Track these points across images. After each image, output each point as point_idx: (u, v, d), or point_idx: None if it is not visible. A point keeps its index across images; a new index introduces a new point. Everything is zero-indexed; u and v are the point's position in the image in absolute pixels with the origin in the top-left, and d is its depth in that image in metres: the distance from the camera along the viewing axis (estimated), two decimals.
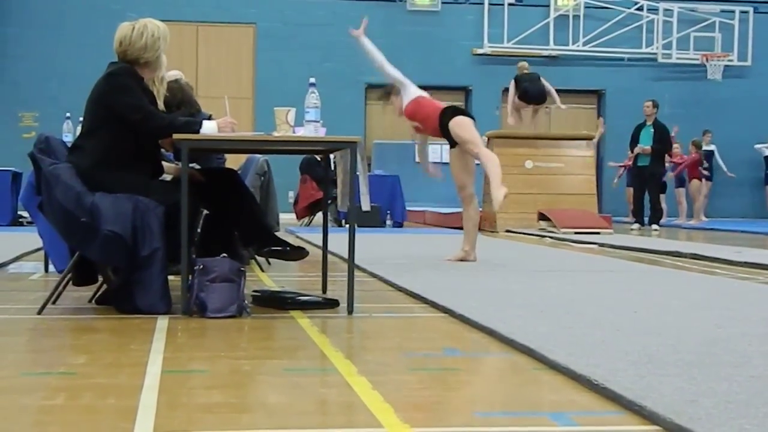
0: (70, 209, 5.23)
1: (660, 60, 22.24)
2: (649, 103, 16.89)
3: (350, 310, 5.39)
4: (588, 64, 22.16)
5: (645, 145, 16.65)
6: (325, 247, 6.47)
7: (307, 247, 7.23)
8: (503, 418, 3.06)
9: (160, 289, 5.24)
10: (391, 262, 8.54)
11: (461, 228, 8.81)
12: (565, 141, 16.34)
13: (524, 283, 6.91)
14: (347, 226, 5.51)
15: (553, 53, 22.00)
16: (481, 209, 16.12)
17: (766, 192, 21.74)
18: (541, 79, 16.16)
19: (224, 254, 5.34)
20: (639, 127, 17.01)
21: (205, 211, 5.97)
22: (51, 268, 7.56)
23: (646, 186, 16.97)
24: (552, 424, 2.95)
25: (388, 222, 16.44)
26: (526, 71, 16.40)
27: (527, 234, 14.27)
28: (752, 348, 4.13)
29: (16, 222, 15.26)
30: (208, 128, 5.47)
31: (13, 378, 3.62)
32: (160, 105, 5.81)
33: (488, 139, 15.08)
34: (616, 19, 21.88)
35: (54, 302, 5.50)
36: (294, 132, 5.56)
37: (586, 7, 21.94)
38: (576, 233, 13.98)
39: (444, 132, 8.38)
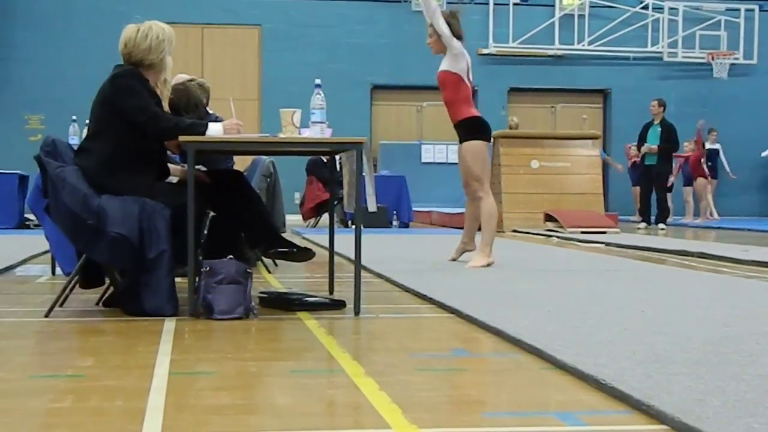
0: (76, 212, 5.24)
1: (666, 59, 22.22)
2: (655, 103, 16.88)
3: (357, 311, 5.39)
4: (593, 64, 22.14)
5: (652, 144, 16.62)
6: (331, 248, 6.47)
7: (314, 248, 7.22)
8: (510, 419, 3.06)
9: (167, 291, 5.25)
10: (398, 262, 8.53)
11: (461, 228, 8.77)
12: (570, 140, 16.33)
13: (531, 283, 6.90)
14: (354, 226, 5.51)
15: (559, 53, 21.99)
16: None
17: None
18: None
19: (231, 256, 5.34)
20: (646, 126, 17.00)
21: (212, 213, 5.98)
22: (58, 270, 7.56)
23: (653, 185, 16.96)
24: (559, 424, 2.95)
25: (395, 222, 16.45)
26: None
27: (534, 234, 14.27)
28: (760, 347, 4.13)
29: (22, 225, 15.28)
30: (214, 130, 5.47)
31: (20, 381, 3.63)
32: (165, 107, 5.81)
33: (494, 139, 15.07)
34: (622, 18, 21.86)
35: (61, 305, 5.51)
36: (300, 133, 5.56)
37: (591, 7, 21.93)
38: (582, 233, 13.97)
39: (456, 129, 8.31)
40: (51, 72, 20.64)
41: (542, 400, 3.35)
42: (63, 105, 18.71)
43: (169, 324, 4.95)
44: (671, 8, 22.00)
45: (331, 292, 6.29)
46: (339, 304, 5.63)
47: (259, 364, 3.95)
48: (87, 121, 5.72)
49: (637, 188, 18.72)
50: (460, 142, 8.31)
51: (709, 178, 19.94)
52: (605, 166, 19.74)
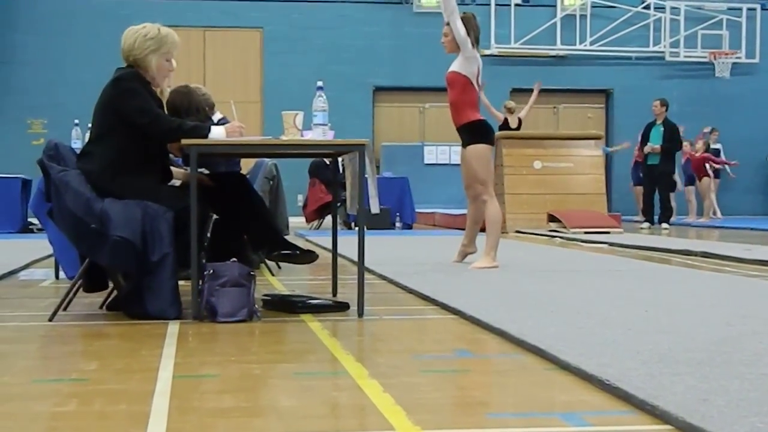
0: (79, 215, 5.24)
1: (668, 58, 22.22)
2: (658, 103, 16.88)
3: (360, 313, 5.39)
4: (595, 64, 22.13)
5: (655, 143, 16.63)
6: (334, 250, 6.47)
7: (317, 250, 7.23)
8: (515, 419, 3.06)
9: (171, 294, 5.25)
10: (401, 264, 8.53)
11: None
12: (573, 141, 16.32)
13: (535, 283, 6.90)
14: (357, 228, 5.51)
15: (561, 53, 21.99)
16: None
17: None
18: None
19: (234, 259, 5.34)
20: (649, 126, 16.99)
21: (215, 216, 5.98)
22: (61, 274, 7.57)
23: (656, 185, 16.96)
24: (564, 425, 2.95)
25: (398, 224, 16.45)
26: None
27: (537, 234, 14.26)
28: (763, 346, 4.12)
29: (26, 229, 15.29)
30: (216, 133, 5.48)
31: (25, 385, 3.63)
32: (165, 111, 5.82)
33: (497, 140, 15.05)
34: (623, 18, 21.86)
35: (65, 309, 5.52)
36: (302, 135, 5.56)
37: (592, 7, 21.92)
38: (586, 233, 13.97)
39: (459, 132, 8.30)
40: (53, 76, 20.66)
41: (546, 401, 3.35)
42: (65, 109, 18.74)
43: (173, 327, 4.95)
44: (673, 8, 21.99)
45: (335, 294, 6.29)
46: (342, 306, 5.63)
47: (262, 366, 3.95)
48: (89, 125, 5.73)
49: (640, 188, 18.70)
50: (464, 145, 8.30)
51: (712, 177, 19.93)
52: (608, 165, 19.72)
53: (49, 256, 8.53)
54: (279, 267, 8.27)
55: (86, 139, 6.05)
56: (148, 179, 5.48)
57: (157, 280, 5.23)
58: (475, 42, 8.15)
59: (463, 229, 8.90)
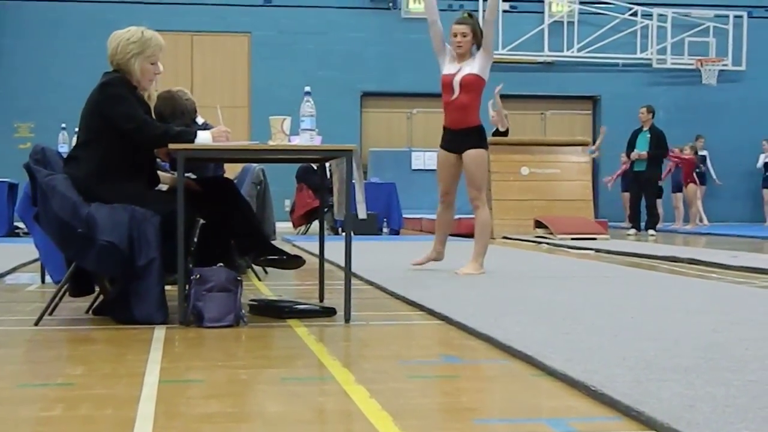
0: (66, 220, 5.23)
1: (655, 65, 22.27)
2: (644, 109, 16.96)
3: (347, 319, 5.38)
4: (583, 70, 22.18)
5: (641, 150, 16.69)
6: (321, 255, 6.47)
7: (304, 255, 7.23)
8: (501, 425, 3.06)
9: (157, 298, 5.24)
10: (388, 269, 8.53)
11: (460, 235, 8.71)
12: (560, 147, 16.34)
13: (521, 289, 6.91)
14: (344, 234, 5.51)
15: (548, 59, 22.04)
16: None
17: (763, 195, 21.74)
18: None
19: (221, 264, 5.34)
20: (635, 133, 17.07)
21: (202, 221, 5.97)
22: (47, 279, 7.55)
23: (642, 191, 17.01)
24: (550, 431, 2.95)
25: (385, 229, 16.45)
26: None
27: (524, 240, 14.27)
28: (749, 352, 4.13)
29: (12, 233, 15.24)
30: (203, 138, 5.47)
31: (10, 389, 3.62)
32: (152, 115, 5.82)
33: None
34: (611, 24, 21.91)
35: (51, 313, 5.50)
36: (289, 141, 5.56)
37: (580, 14, 21.97)
38: (572, 239, 13.98)
39: (460, 134, 8.21)
40: (41, 80, 20.62)
41: (533, 407, 3.35)
42: (53, 113, 18.68)
43: (159, 332, 4.94)
44: (660, 15, 22.05)
45: (322, 299, 6.29)
46: (329, 312, 5.63)
47: (249, 371, 3.95)
48: (76, 129, 5.72)
49: (627, 194, 18.76)
50: (461, 149, 8.16)
51: (698, 184, 19.98)
52: (595, 172, 19.75)
53: (35, 260, 8.52)
54: (266, 272, 8.26)
55: (73, 144, 6.03)
56: (135, 184, 5.47)
57: (143, 285, 5.22)
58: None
59: (455, 235, 8.82)
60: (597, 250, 11.96)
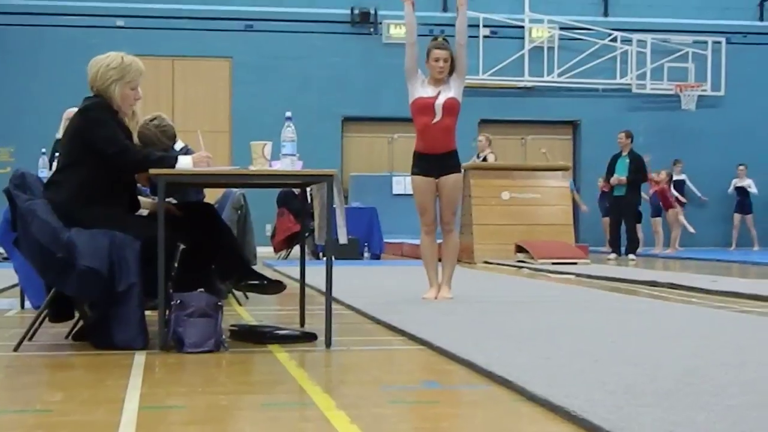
0: (46, 245, 5.21)
1: (634, 90, 22.37)
2: (623, 134, 17.09)
3: (328, 344, 5.37)
4: (563, 95, 22.27)
5: (621, 175, 16.80)
6: (302, 280, 6.47)
7: (285, 280, 7.22)
8: None
9: (137, 324, 5.22)
10: (370, 294, 8.53)
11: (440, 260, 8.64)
12: (541, 172, 16.40)
13: (502, 314, 6.91)
14: (325, 258, 5.51)
15: (529, 84, 22.12)
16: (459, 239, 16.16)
17: (734, 220, 21.87)
18: None
19: (201, 289, 5.33)
20: (615, 158, 17.17)
21: (182, 246, 5.96)
22: (27, 304, 7.51)
23: (622, 216, 17.10)
24: None
25: (366, 254, 16.45)
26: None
27: (505, 265, 14.29)
28: (729, 377, 4.15)
29: None
30: (184, 163, 5.48)
31: None
32: (135, 139, 5.81)
33: (465, 171, 15.09)
34: (591, 50, 22.02)
35: (30, 339, 5.47)
36: (270, 166, 5.57)
37: (560, 39, 22.06)
38: (553, 264, 14.01)
39: (442, 158, 8.15)
40: (21, 104, 20.56)
41: None
42: (33, 137, 18.62)
43: (140, 357, 4.92)
44: (639, 40, 22.17)
45: (303, 324, 6.28)
46: (310, 337, 5.62)
47: (230, 397, 3.93)
48: (57, 154, 5.71)
49: (607, 219, 18.82)
50: (444, 173, 8.09)
51: (679, 207, 20.05)
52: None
53: (15, 285, 8.47)
54: (247, 297, 8.25)
55: (53, 169, 6.02)
56: (115, 209, 5.46)
57: (123, 310, 5.20)
58: None
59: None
60: (578, 275, 11.98)
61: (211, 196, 8.42)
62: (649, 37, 22.18)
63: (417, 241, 16.93)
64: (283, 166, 5.55)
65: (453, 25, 8.37)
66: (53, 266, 5.23)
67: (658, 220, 19.91)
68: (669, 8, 22.49)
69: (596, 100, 22.37)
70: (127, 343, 5.17)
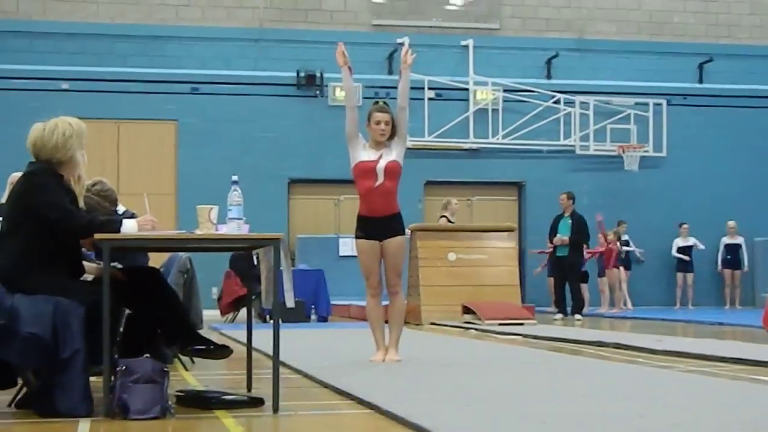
0: None
1: (578, 151, 22.59)
2: (564, 196, 17.31)
3: (276, 409, 5.34)
4: (508, 157, 22.43)
5: (563, 235, 17.00)
6: (249, 344, 6.43)
7: (232, 344, 7.16)
8: None
9: (82, 391, 5.16)
10: (317, 357, 8.49)
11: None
12: (487, 233, 16.49)
13: (450, 376, 6.91)
14: (272, 321, 5.49)
15: (474, 146, 22.28)
16: (405, 301, 16.16)
17: (677, 279, 22.14)
18: None
19: (147, 354, 5.28)
20: (557, 219, 17.38)
21: (127, 311, 5.91)
22: None
23: (566, 276, 17.26)
24: None
25: (313, 316, 16.38)
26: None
27: (452, 326, 14.28)
28: None
29: None
30: (128, 227, 5.45)
31: None
32: (81, 204, 5.78)
33: (411, 232, 15.14)
34: (534, 112, 22.24)
35: None
36: (217, 230, 5.55)
37: (504, 101, 22.26)
38: (500, 324, 14.03)
39: (385, 221, 8.14)
40: None
41: None
42: None
43: (84, 425, 4.86)
44: (582, 102, 22.44)
45: (249, 389, 6.23)
46: (257, 402, 5.58)
47: None
48: (0, 219, 5.66)
49: (552, 279, 18.93)
50: (387, 235, 8.09)
51: (622, 269, 20.22)
52: (522, 257, 19.91)
53: None
54: (193, 362, 8.17)
55: None
56: (59, 274, 5.42)
57: (67, 377, 5.14)
58: None
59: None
60: (524, 336, 12.01)
61: (157, 259, 8.37)
62: (591, 99, 22.48)
63: (364, 303, 16.90)
64: (229, 230, 5.54)
65: (397, 88, 8.44)
66: None
67: (604, 280, 20.05)
68: (610, 71, 22.83)
69: (540, 161, 22.58)
70: (71, 410, 5.11)
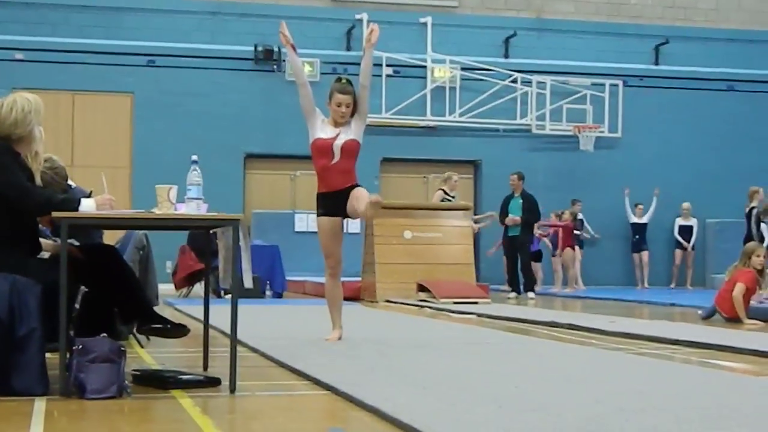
0: None
1: (534, 131, 22.69)
2: (515, 176, 17.46)
3: (233, 389, 5.34)
4: (464, 135, 22.49)
5: (515, 215, 17.17)
6: (206, 322, 6.42)
7: (187, 320, 7.15)
8: None
9: (38, 369, 5.13)
10: (272, 335, 8.48)
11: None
12: (443, 211, 16.54)
13: (406, 357, 6.93)
14: (227, 296, 5.49)
15: (431, 124, 22.31)
16: (360, 279, 16.21)
17: (633, 259, 22.35)
18: None
19: (104, 334, 5.26)
20: (507, 199, 17.52)
21: (84, 289, 5.88)
22: None
23: (518, 255, 17.43)
24: None
25: (268, 292, 16.35)
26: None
27: (407, 304, 14.34)
28: (630, 424, 4.22)
29: None
30: (86, 205, 5.42)
31: None
32: (38, 180, 5.73)
33: None
34: (492, 90, 22.29)
35: None
36: (176, 209, 5.53)
37: (462, 79, 22.30)
38: (455, 303, 14.09)
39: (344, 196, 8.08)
40: None
41: None
42: None
43: (40, 404, 4.83)
44: (539, 82, 22.52)
45: (206, 368, 6.23)
46: (214, 382, 5.58)
47: None
48: None
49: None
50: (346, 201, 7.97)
51: (577, 248, 20.38)
52: (477, 235, 19.96)
53: None
54: (148, 339, 8.13)
55: None
56: (16, 252, 5.38)
57: (23, 356, 5.11)
58: None
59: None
60: (479, 315, 12.07)
61: (113, 235, 8.32)
62: (548, 79, 22.56)
63: (320, 279, 16.91)
64: (188, 209, 5.52)
65: (356, 64, 8.39)
66: None
67: (558, 259, 20.21)
68: (568, 51, 22.92)
69: (497, 140, 22.64)
70: (27, 389, 5.08)
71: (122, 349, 5.19)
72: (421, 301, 14.62)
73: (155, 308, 6.44)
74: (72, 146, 19.89)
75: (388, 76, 21.81)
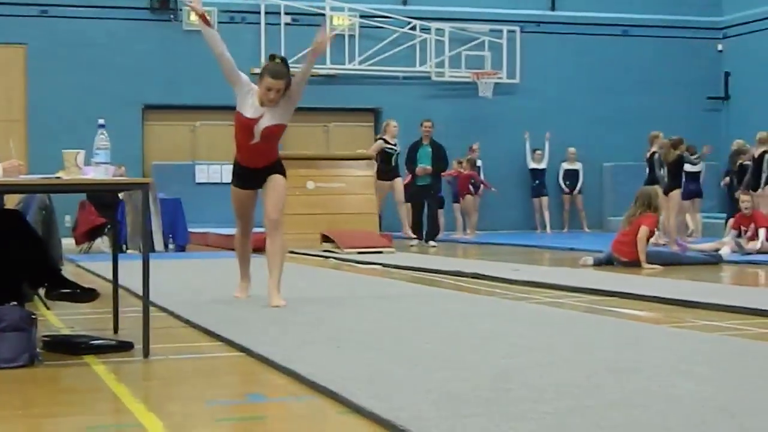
0: None
1: (434, 78, 22.78)
2: (429, 123, 17.48)
3: (146, 353, 5.32)
4: (365, 83, 22.47)
5: (424, 164, 17.20)
6: (115, 281, 6.37)
7: (92, 278, 7.08)
8: None
9: None
10: (179, 292, 8.44)
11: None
12: (345, 161, 16.57)
13: (317, 314, 6.96)
14: (129, 252, 5.46)
15: (331, 72, 22.23)
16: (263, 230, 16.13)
17: (533, 204, 22.66)
18: None
19: (14, 302, 5.20)
20: (415, 146, 17.50)
21: None
22: None
23: (427, 203, 17.52)
24: None
25: (171, 246, 16.21)
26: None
27: (311, 255, 14.36)
28: (543, 380, 4.32)
29: None
30: None
31: None
32: None
33: None
34: (391, 38, 22.28)
35: None
36: (84, 173, 5.47)
37: (361, 27, 22.25)
38: (359, 253, 14.16)
39: (267, 170, 7.70)
40: None
41: None
42: None
43: None
44: (438, 29, 22.57)
45: (116, 330, 6.19)
46: (126, 346, 5.55)
47: (52, 421, 3.86)
48: None
49: (409, 205, 19.12)
50: (264, 180, 7.63)
51: (475, 194, 20.59)
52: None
53: None
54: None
55: None
56: None
57: None
58: None
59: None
60: (384, 265, 12.14)
61: (14, 196, 8.18)
62: (447, 26, 22.62)
63: (223, 231, 16.74)
64: (96, 174, 5.46)
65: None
66: None
67: (458, 206, 20.40)
68: None
69: (397, 88, 22.68)
70: None
71: (33, 317, 5.14)
72: (326, 251, 14.66)
73: (62, 270, 6.37)
74: None
75: (286, 24, 21.67)
